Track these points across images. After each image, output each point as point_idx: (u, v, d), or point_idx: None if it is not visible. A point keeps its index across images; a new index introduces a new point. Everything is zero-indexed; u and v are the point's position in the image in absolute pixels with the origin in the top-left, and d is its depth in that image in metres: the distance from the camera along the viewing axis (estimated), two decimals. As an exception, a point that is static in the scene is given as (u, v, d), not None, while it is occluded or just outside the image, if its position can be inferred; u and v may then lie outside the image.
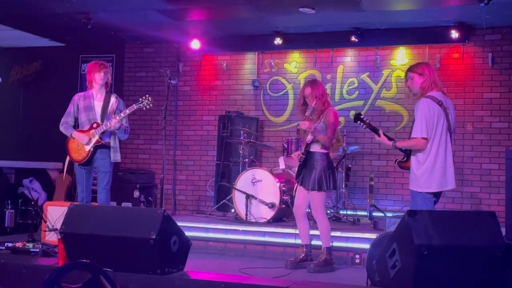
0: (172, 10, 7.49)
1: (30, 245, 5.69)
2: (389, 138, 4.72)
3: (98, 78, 5.80)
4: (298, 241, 5.72)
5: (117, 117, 5.66)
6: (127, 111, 5.71)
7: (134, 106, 5.72)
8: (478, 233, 3.73)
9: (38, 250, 5.52)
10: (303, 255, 5.53)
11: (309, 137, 5.37)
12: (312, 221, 5.75)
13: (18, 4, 7.34)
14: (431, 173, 4.42)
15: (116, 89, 9.09)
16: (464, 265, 3.67)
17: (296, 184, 5.72)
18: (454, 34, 7.65)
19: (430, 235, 3.61)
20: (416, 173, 4.48)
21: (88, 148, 5.70)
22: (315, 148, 5.41)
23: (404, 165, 4.67)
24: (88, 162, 5.73)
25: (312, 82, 5.57)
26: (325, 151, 5.43)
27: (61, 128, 5.84)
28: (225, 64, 8.95)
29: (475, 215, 4.07)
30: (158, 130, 8.65)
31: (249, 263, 5.67)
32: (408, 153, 4.63)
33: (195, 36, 8.70)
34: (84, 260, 2.34)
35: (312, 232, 5.63)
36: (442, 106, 4.45)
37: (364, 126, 4.87)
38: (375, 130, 4.79)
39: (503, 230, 4.40)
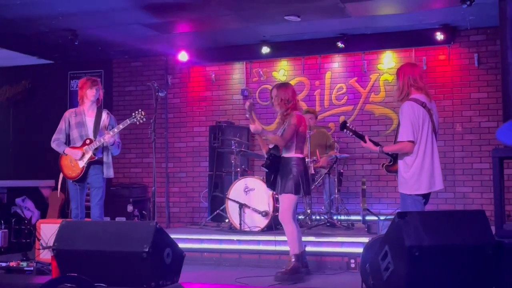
0: (159, 24, 7.52)
1: (24, 264, 5.66)
2: (375, 143, 4.73)
3: (90, 94, 5.80)
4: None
5: (111, 133, 5.65)
6: (121, 126, 5.68)
7: (128, 121, 5.70)
8: (468, 232, 3.75)
9: (32, 268, 5.50)
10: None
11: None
12: (305, 228, 5.74)
13: (4, 23, 7.35)
14: (420, 175, 4.43)
15: (105, 104, 8.96)
16: (455, 264, 3.69)
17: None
18: (440, 36, 7.73)
19: (420, 236, 3.63)
20: (405, 175, 4.48)
21: (82, 164, 5.68)
22: (290, 153, 5.27)
23: (391, 168, 4.68)
24: (82, 178, 5.72)
25: (280, 85, 5.44)
26: (300, 155, 5.30)
27: (53, 145, 5.81)
28: (213, 75, 8.98)
29: (465, 214, 4.09)
30: (149, 143, 8.59)
31: (245, 273, 5.65)
32: (394, 156, 4.64)
33: (182, 48, 8.74)
34: (72, 274, 2.35)
35: (305, 238, 5.61)
36: (426, 108, 4.47)
37: (351, 133, 4.89)
38: (361, 137, 4.81)
39: (493, 228, 4.41)
